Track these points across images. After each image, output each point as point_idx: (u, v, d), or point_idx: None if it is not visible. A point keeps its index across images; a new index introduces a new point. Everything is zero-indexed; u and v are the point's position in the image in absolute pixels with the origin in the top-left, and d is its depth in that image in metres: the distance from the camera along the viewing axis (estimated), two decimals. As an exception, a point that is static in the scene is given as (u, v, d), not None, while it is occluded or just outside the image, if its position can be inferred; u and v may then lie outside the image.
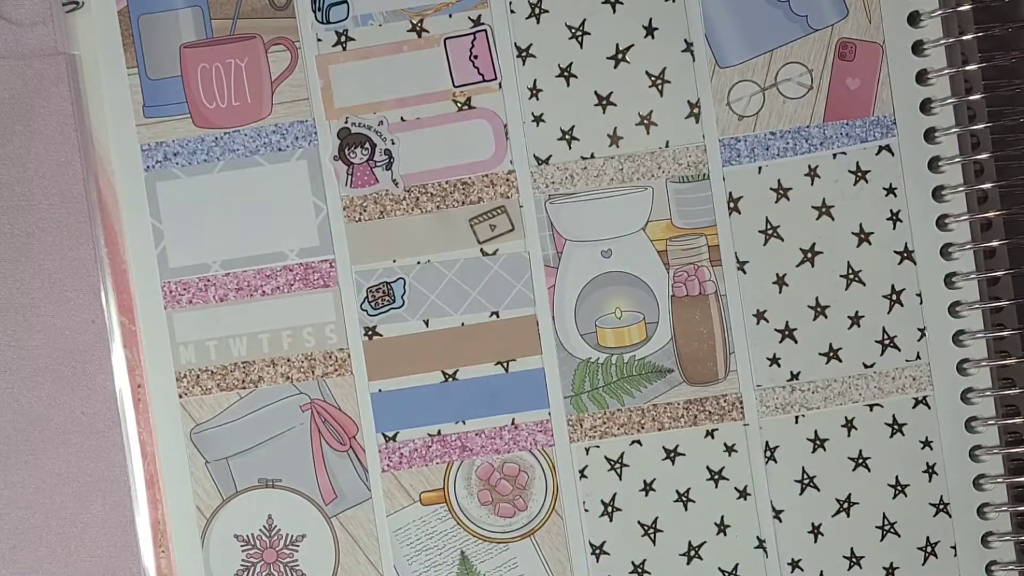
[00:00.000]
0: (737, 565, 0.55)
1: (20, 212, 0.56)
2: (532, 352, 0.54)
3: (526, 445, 0.55)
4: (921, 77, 0.54)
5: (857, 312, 0.54)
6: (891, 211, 0.54)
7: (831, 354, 0.54)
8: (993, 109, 0.54)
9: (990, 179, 0.54)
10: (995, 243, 0.54)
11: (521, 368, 0.55)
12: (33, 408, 0.56)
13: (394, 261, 0.54)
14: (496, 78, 0.54)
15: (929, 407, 0.55)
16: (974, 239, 0.54)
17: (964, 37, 0.53)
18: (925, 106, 0.54)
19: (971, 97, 0.54)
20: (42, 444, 0.56)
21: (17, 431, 0.56)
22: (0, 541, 0.56)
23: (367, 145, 0.54)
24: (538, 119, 0.54)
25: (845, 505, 0.55)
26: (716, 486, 0.55)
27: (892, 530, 0.55)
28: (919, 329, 0.54)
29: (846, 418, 0.55)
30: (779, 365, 0.55)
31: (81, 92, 0.54)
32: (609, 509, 0.55)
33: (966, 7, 0.53)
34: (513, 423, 0.55)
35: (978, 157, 0.54)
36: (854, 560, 0.55)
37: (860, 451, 0.55)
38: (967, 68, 0.54)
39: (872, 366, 0.54)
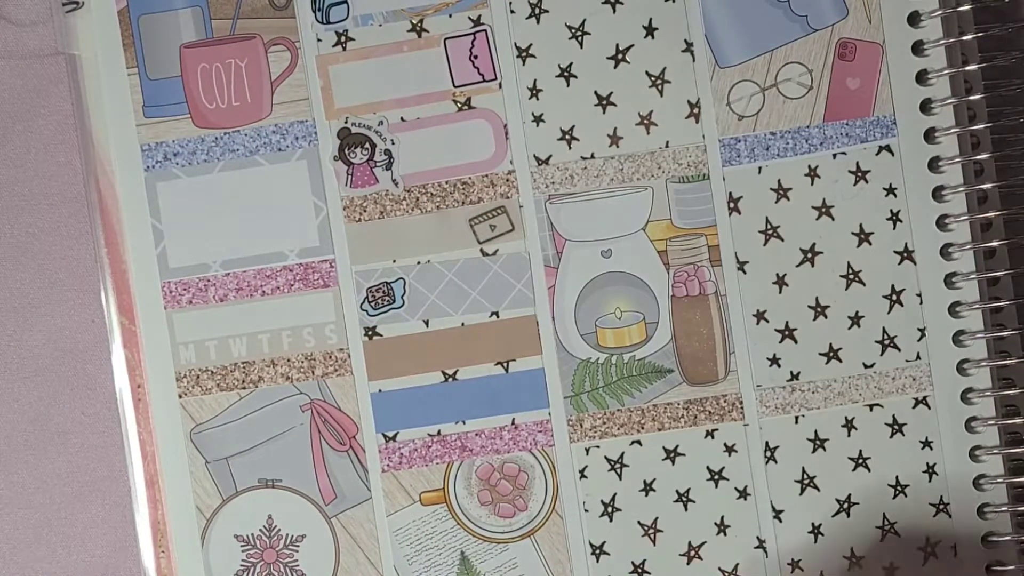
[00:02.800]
0: (737, 565, 0.55)
1: (20, 212, 0.56)
2: (532, 352, 0.54)
3: (526, 445, 0.54)
4: (921, 77, 0.54)
5: (857, 312, 0.54)
6: (891, 211, 0.54)
7: (831, 354, 0.54)
8: (993, 109, 0.54)
9: (990, 179, 0.54)
10: (995, 243, 0.54)
11: (521, 368, 0.54)
12: (33, 408, 0.56)
13: (394, 261, 0.54)
14: (496, 78, 0.54)
15: (929, 407, 0.54)
16: (974, 239, 0.54)
17: (964, 37, 0.53)
18: (925, 106, 0.54)
19: (971, 97, 0.53)
20: (42, 444, 0.56)
21: (17, 431, 0.56)
22: (0, 541, 0.56)
23: (367, 145, 0.54)
24: (538, 119, 0.54)
25: (845, 505, 0.54)
26: (716, 486, 0.55)
27: (892, 530, 0.54)
28: (919, 329, 0.54)
29: (846, 418, 0.54)
30: (779, 365, 0.54)
31: (81, 92, 0.54)
32: (609, 509, 0.55)
33: (966, 7, 0.53)
34: (513, 423, 0.54)
35: (978, 157, 0.53)
36: (854, 560, 0.54)
37: (860, 451, 0.54)
38: (967, 68, 0.53)
39: (872, 366, 0.54)
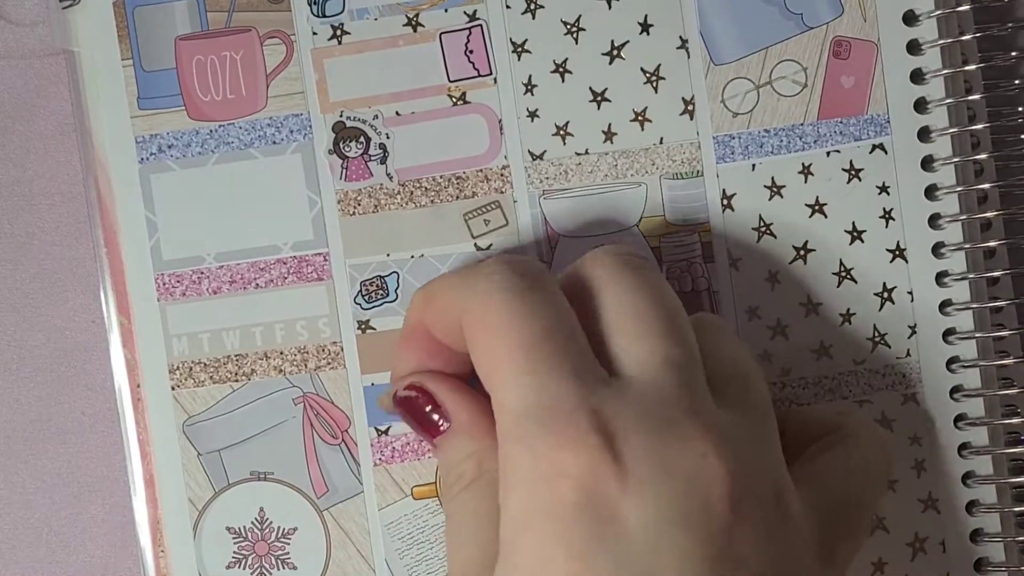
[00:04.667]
0: (727, 561, 0.52)
1: (20, 212, 0.54)
2: (525, 347, 0.52)
3: (518, 440, 0.52)
4: (916, 76, 0.51)
5: (848, 309, 0.52)
6: (884, 209, 0.51)
7: (822, 351, 0.52)
8: (992, 109, 0.52)
9: (990, 179, 0.52)
10: (993, 243, 0.51)
11: (514, 363, 0.52)
12: (33, 408, 0.54)
13: (388, 255, 0.52)
14: (491, 73, 0.51)
15: (918, 403, 0.52)
16: (966, 239, 0.51)
17: (963, 37, 0.51)
18: (920, 105, 0.51)
19: (969, 97, 0.51)
20: (42, 444, 0.54)
21: (17, 431, 0.54)
22: (0, 541, 0.55)
23: (362, 139, 0.51)
24: (533, 114, 0.52)
25: (835, 501, 0.52)
26: (707, 482, 0.52)
27: (881, 526, 0.52)
28: (910, 327, 0.52)
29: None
30: (770, 361, 0.52)
31: (80, 90, 0.51)
32: (600, 504, 0.52)
33: (965, 7, 0.51)
34: (505, 418, 0.52)
35: (976, 157, 0.51)
36: (843, 556, 0.52)
37: (850, 447, 0.52)
38: (966, 68, 0.51)
39: (863, 363, 0.52)
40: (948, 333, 0.52)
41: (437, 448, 0.47)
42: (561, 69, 0.51)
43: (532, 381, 0.42)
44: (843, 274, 0.52)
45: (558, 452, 0.40)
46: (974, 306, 0.51)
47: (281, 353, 0.52)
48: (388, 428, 0.52)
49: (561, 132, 0.51)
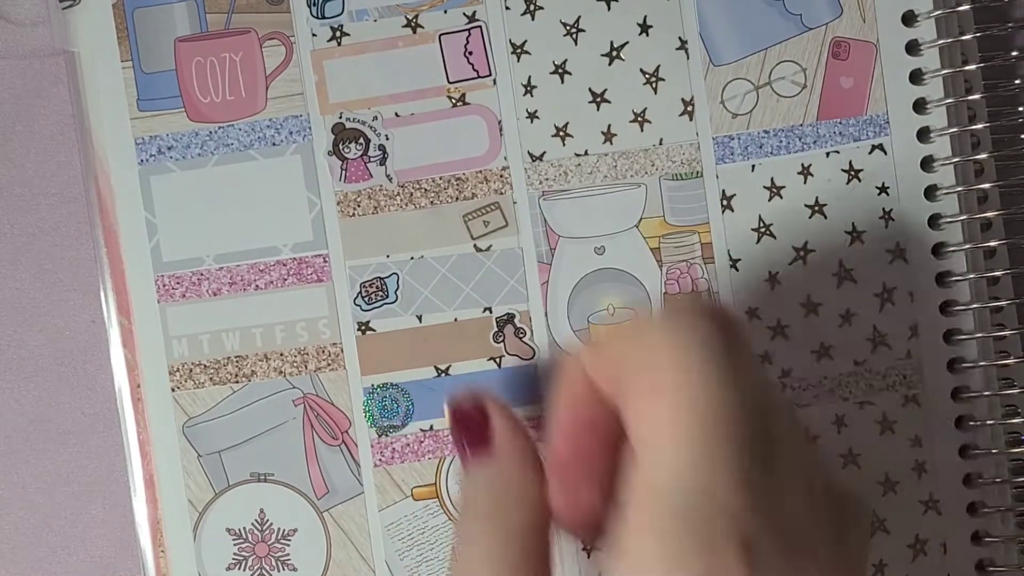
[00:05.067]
0: (728, 561, 0.51)
1: (20, 212, 0.54)
2: (525, 348, 0.51)
3: (518, 441, 0.51)
4: (915, 76, 0.51)
5: (848, 310, 0.51)
6: (883, 210, 0.51)
7: (822, 352, 0.51)
8: (992, 109, 0.52)
9: (990, 179, 0.51)
10: (993, 243, 0.51)
11: (513, 362, 0.51)
12: (33, 408, 0.54)
13: (388, 256, 0.51)
14: (491, 74, 0.51)
15: (919, 405, 0.51)
16: (966, 239, 0.51)
17: (963, 37, 0.50)
18: (919, 106, 0.51)
19: (969, 97, 0.51)
20: (42, 444, 0.54)
21: (17, 431, 0.54)
22: (0, 541, 0.54)
23: (361, 140, 0.51)
24: (532, 116, 0.51)
25: (835, 502, 0.51)
26: (707, 483, 0.51)
27: (882, 527, 0.52)
28: (910, 327, 0.51)
29: (836, 415, 0.51)
30: (770, 362, 0.51)
31: (80, 90, 0.51)
32: (601, 505, 0.51)
33: (965, 7, 0.50)
34: (505, 419, 0.51)
35: (976, 157, 0.51)
36: (843, 557, 0.51)
37: (850, 448, 0.51)
38: (966, 68, 0.51)
39: (863, 363, 0.51)
40: (949, 334, 0.51)
41: (467, 470, 0.43)
42: (560, 70, 0.51)
43: (695, 476, 0.34)
44: (843, 274, 0.51)
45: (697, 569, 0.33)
46: (975, 306, 0.51)
47: (281, 354, 0.51)
48: (388, 428, 0.51)
49: (561, 133, 0.51)
